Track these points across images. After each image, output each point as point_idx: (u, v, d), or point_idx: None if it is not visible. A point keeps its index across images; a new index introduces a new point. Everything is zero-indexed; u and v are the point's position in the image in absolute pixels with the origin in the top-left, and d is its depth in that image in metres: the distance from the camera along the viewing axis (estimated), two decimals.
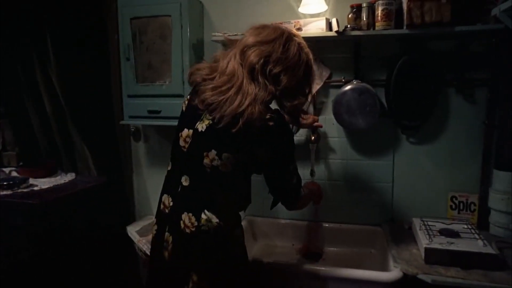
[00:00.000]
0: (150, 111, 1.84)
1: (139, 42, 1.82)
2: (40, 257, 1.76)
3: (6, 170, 2.25)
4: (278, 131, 1.12)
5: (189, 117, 1.19)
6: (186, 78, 1.28)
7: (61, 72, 2.20)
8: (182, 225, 1.13)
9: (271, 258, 1.66)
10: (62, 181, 2.09)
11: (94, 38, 2.17)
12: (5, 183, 1.90)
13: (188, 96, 1.24)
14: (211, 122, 1.12)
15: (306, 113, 1.30)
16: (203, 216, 1.11)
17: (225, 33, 1.76)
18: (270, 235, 1.92)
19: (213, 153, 1.10)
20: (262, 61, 1.11)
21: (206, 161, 1.12)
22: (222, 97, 1.09)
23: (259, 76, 1.11)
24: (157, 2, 1.75)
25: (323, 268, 1.42)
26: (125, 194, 2.21)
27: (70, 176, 2.19)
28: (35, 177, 2.11)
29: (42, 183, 2.03)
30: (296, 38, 1.18)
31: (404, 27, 1.53)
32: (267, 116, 1.09)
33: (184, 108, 1.24)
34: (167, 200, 1.20)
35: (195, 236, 1.12)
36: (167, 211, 1.19)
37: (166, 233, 1.17)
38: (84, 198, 2.00)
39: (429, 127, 1.72)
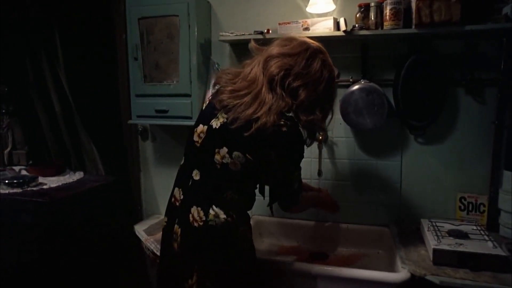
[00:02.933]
0: (157, 111, 1.85)
1: (147, 42, 1.83)
2: (49, 254, 1.77)
3: (16, 168, 2.28)
4: (290, 137, 1.15)
5: (205, 114, 1.23)
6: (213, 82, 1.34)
7: (70, 71, 2.22)
8: (191, 219, 1.15)
9: (278, 257, 1.66)
10: (71, 180, 2.12)
11: (102, 38, 2.19)
12: (15, 181, 1.92)
13: (210, 97, 1.29)
14: (225, 120, 1.15)
15: (324, 130, 1.31)
16: (211, 211, 1.13)
17: (232, 33, 1.77)
18: (277, 235, 1.92)
19: (224, 150, 1.13)
20: (282, 73, 1.13)
21: (217, 157, 1.14)
22: (238, 101, 1.13)
23: (278, 87, 1.13)
24: (165, 2, 1.76)
25: (330, 268, 1.41)
26: (132, 193, 2.23)
27: (78, 175, 2.22)
28: (44, 176, 2.13)
29: (51, 182, 2.05)
30: (321, 55, 1.19)
31: (413, 27, 1.52)
32: (281, 122, 1.11)
33: (203, 107, 1.29)
34: (178, 193, 1.23)
35: (202, 231, 1.14)
36: (177, 204, 1.22)
37: (176, 225, 1.19)
38: (92, 196, 2.02)
39: (437, 127, 1.71)
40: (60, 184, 2.03)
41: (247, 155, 1.12)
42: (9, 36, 2.27)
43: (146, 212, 2.23)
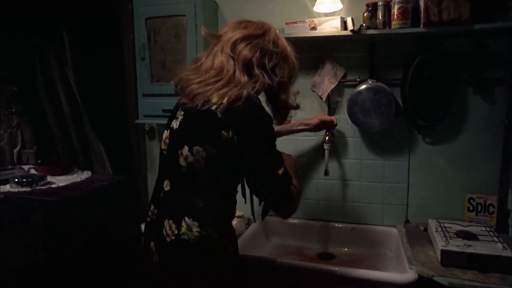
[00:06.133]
0: (164, 110, 1.85)
1: (154, 41, 1.84)
2: (57, 253, 1.79)
3: (25, 167, 2.30)
4: (244, 113, 1.02)
5: (170, 118, 1.17)
6: (173, 88, 1.20)
7: (78, 71, 2.24)
8: (164, 233, 1.07)
9: (284, 258, 1.66)
10: (79, 179, 2.13)
11: (109, 37, 2.20)
12: (24, 180, 1.94)
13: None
14: (183, 117, 1.09)
15: (297, 107, 1.27)
16: (183, 224, 1.05)
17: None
18: (283, 235, 1.92)
19: (185, 149, 1.05)
20: (258, 54, 1.09)
21: (181, 160, 1.06)
22: (209, 88, 1.05)
23: (256, 69, 1.09)
24: (172, 2, 1.77)
25: (337, 269, 1.41)
26: (139, 192, 2.24)
27: (86, 174, 2.23)
28: (53, 175, 2.15)
29: (59, 181, 2.06)
30: (278, 32, 1.19)
31: (421, 26, 1.51)
32: (236, 99, 1.02)
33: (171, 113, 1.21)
34: (152, 208, 1.17)
35: (175, 245, 1.05)
36: (150, 219, 1.16)
37: (152, 242, 1.12)
38: (100, 195, 2.03)
39: (446, 127, 1.69)
40: (68, 183, 2.05)
41: (206, 146, 1.02)
42: (17, 37, 2.29)
43: None
